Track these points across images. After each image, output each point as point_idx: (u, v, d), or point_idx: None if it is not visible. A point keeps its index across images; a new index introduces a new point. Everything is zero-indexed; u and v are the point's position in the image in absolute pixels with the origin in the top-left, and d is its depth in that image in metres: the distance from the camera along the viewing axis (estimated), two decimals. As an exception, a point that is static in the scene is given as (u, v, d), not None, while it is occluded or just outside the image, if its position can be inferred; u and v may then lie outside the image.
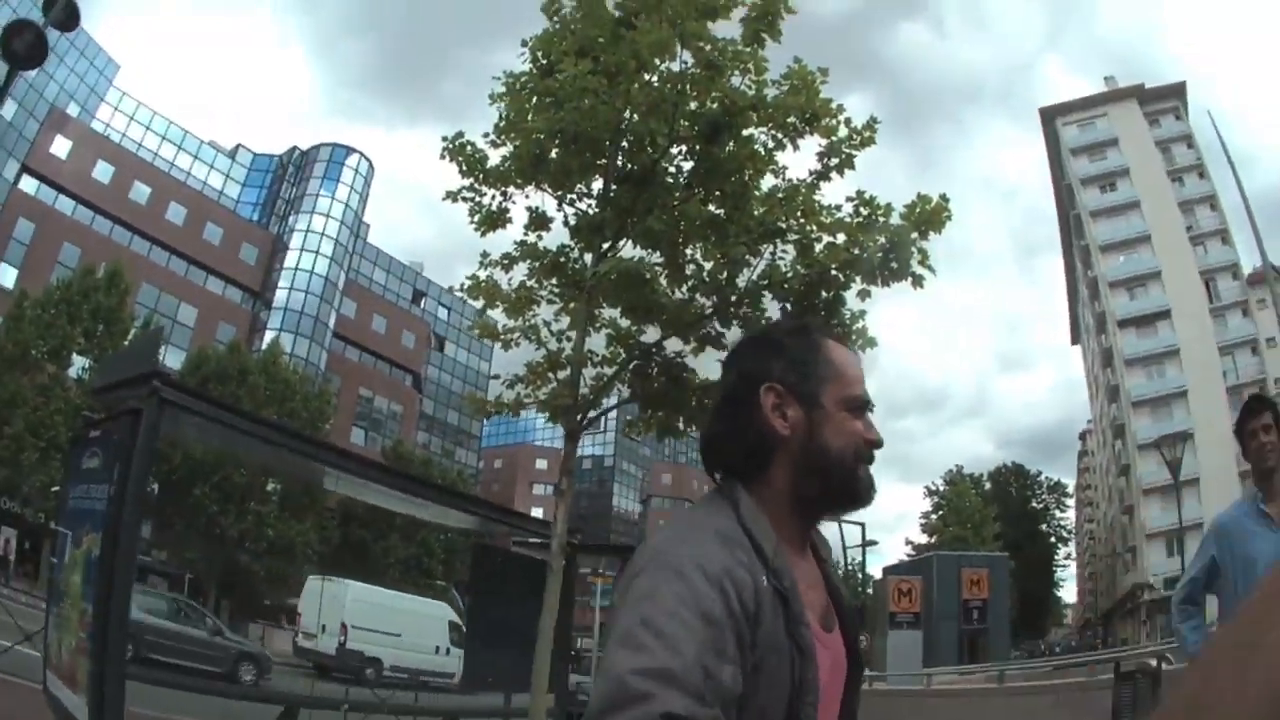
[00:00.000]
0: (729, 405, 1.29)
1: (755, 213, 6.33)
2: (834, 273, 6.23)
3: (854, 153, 6.43)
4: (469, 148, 6.88)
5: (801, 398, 1.24)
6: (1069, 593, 70.30)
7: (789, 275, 6.28)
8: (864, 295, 6.35)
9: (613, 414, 7.11)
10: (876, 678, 17.31)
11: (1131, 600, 50.15)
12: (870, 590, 32.92)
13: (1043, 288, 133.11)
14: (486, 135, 6.81)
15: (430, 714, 9.25)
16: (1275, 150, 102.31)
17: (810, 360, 1.27)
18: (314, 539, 34.24)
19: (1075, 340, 74.93)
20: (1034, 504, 61.89)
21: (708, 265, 6.54)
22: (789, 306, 6.40)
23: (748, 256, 6.33)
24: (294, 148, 58.46)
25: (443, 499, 8.64)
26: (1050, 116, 62.77)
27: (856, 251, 6.15)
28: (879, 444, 1.28)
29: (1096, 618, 60.94)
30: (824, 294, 6.30)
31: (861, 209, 6.33)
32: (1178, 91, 59.32)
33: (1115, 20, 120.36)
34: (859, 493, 1.25)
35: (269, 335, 47.43)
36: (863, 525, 31.41)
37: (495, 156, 6.79)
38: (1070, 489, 67.91)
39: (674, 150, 6.47)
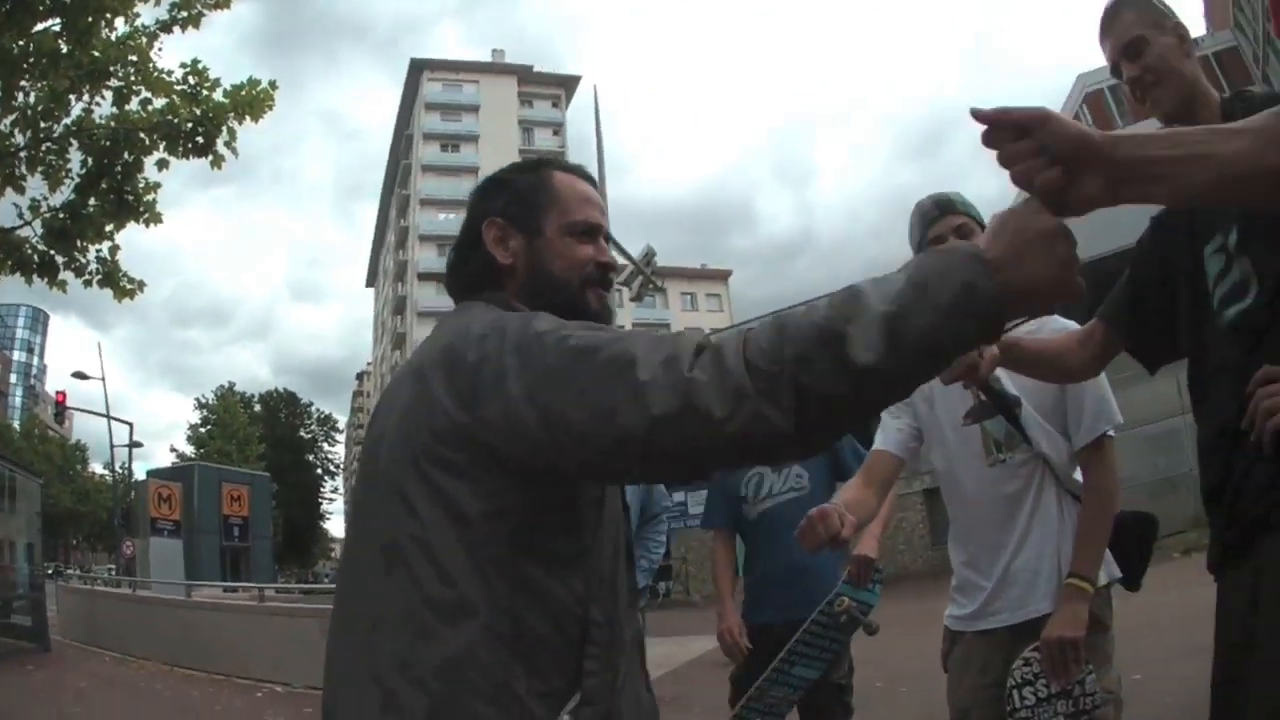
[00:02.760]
0: (462, 239, 1.36)
1: (94, 53, 6.30)
2: (141, 135, 6.55)
3: (205, 12, 6.61)
4: None
5: (523, 228, 1.30)
6: (337, 526, 67.17)
7: (99, 127, 6.48)
8: (163, 165, 6.73)
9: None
10: (139, 584, 16.96)
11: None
12: (134, 493, 29.98)
13: (354, 229, 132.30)
14: None
15: None
16: (648, 162, 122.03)
17: (533, 191, 1.33)
18: None
19: (370, 283, 78.51)
20: (303, 433, 60.19)
21: (33, 98, 6.42)
22: (90, 161, 6.57)
23: (70, 96, 6.37)
24: None
25: None
26: (419, 68, 62.32)
27: (170, 117, 6.48)
28: (612, 267, 1.35)
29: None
30: (127, 155, 6.55)
31: (191, 77, 6.64)
32: (567, 83, 63.75)
33: (538, 10, 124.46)
34: (587, 314, 1.25)
35: None
36: (131, 425, 28.84)
37: None
38: (342, 425, 66.93)
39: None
